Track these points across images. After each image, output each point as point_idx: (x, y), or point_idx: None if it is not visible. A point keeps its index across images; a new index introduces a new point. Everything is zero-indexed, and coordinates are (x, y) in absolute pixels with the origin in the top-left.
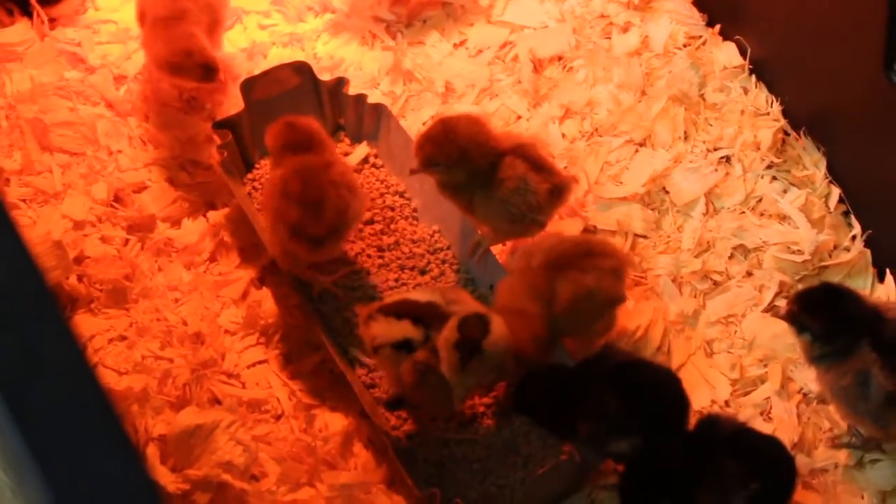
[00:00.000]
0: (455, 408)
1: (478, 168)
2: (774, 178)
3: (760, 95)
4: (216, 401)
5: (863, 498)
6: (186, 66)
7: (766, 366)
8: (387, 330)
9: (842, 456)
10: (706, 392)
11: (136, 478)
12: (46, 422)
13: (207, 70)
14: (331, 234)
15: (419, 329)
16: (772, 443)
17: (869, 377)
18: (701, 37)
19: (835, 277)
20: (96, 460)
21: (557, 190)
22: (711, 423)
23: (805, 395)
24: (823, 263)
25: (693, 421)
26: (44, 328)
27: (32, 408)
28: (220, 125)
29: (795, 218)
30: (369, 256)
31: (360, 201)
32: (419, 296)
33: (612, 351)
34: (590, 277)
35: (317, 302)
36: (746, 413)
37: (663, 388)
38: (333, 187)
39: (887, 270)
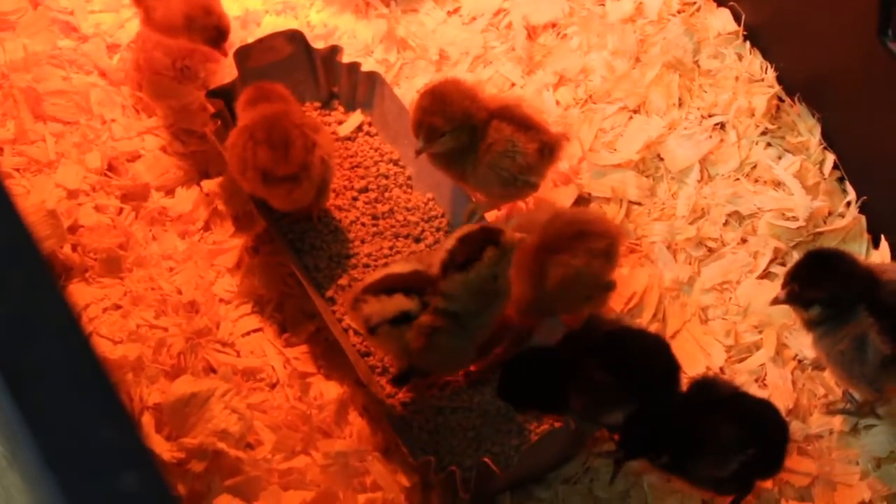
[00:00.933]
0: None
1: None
2: (769, 144)
3: (755, 62)
4: (211, 369)
5: (857, 464)
6: (202, 24)
7: (760, 332)
8: (380, 308)
9: (836, 422)
10: (701, 359)
11: (131, 445)
12: (40, 390)
13: (220, 34)
14: (303, 172)
15: (413, 299)
16: (766, 407)
17: (866, 341)
18: (695, 3)
19: (829, 244)
20: (91, 428)
21: (548, 148)
22: (706, 385)
23: (800, 361)
24: (818, 230)
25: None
26: (38, 296)
27: (26, 376)
28: (213, 94)
29: (790, 184)
30: (363, 225)
31: (326, 139)
32: (400, 268)
33: (598, 321)
34: (580, 261)
35: (312, 271)
36: (741, 379)
37: (653, 354)
38: (296, 127)
39: (882, 236)
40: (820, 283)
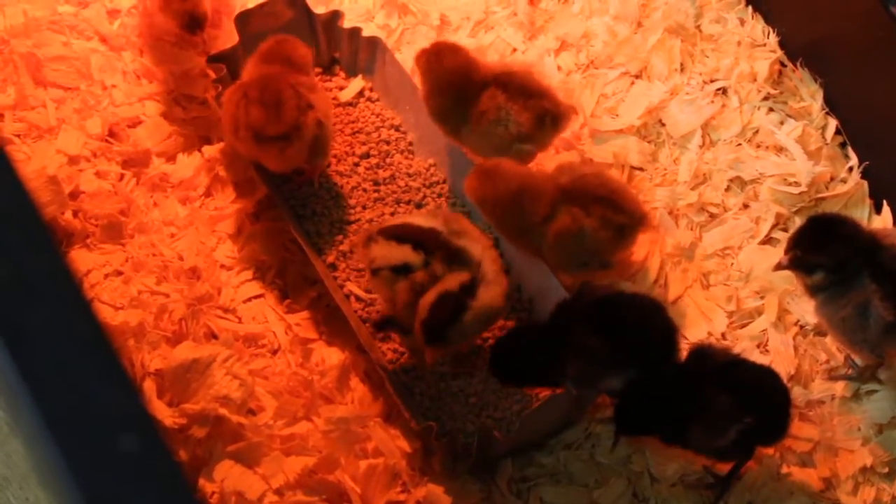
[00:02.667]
0: (426, 362)
1: (463, 98)
2: (771, 109)
3: (757, 26)
4: (212, 335)
5: (859, 429)
6: (176, 8)
7: (762, 298)
8: (387, 252)
9: (838, 388)
10: (703, 324)
11: (131, 409)
12: (42, 354)
13: (193, 21)
14: (295, 132)
15: (419, 254)
16: (765, 373)
17: (868, 308)
18: None
19: (832, 209)
20: (92, 392)
21: (550, 117)
22: (702, 354)
23: (802, 327)
24: (820, 195)
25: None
26: (39, 261)
27: (28, 340)
28: (214, 59)
29: (792, 149)
30: (365, 191)
31: (323, 100)
32: (421, 220)
33: (591, 288)
34: (589, 222)
35: (313, 237)
36: (743, 345)
37: (647, 318)
38: (290, 87)
39: (884, 201)
40: (823, 249)
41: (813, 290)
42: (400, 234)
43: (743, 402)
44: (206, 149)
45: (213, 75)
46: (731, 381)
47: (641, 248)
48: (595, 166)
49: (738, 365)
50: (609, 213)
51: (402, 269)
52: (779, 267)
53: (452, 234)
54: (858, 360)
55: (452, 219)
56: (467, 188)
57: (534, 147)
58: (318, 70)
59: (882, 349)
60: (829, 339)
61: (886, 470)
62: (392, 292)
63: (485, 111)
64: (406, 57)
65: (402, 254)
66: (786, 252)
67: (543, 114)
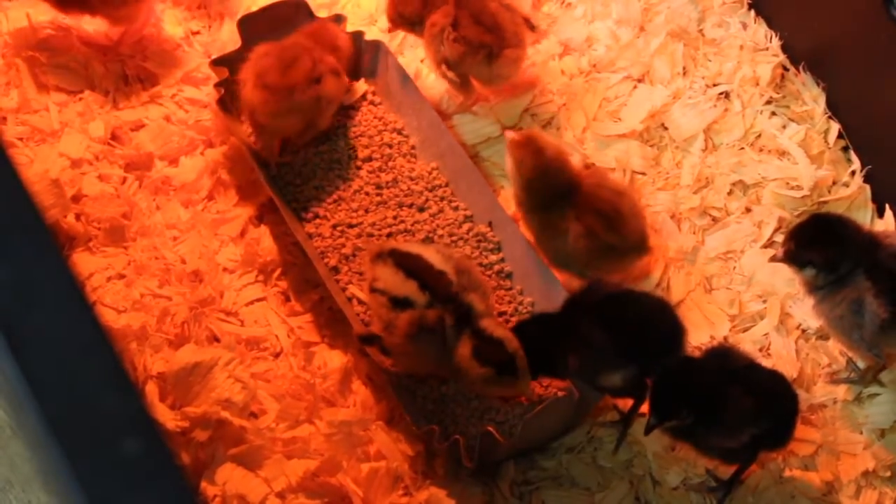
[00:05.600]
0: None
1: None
2: (773, 113)
3: (759, 30)
4: (215, 338)
5: (861, 433)
6: None
7: (765, 302)
8: (393, 281)
9: (840, 391)
10: (705, 328)
11: (134, 412)
12: (45, 357)
13: None
14: (290, 94)
15: (424, 295)
16: (779, 379)
17: (863, 305)
18: None
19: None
20: (95, 395)
21: (488, 52)
22: (722, 354)
23: (804, 330)
24: (822, 199)
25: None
26: (41, 264)
27: (30, 343)
28: (217, 62)
29: (794, 153)
30: (367, 194)
31: (335, 85)
32: (435, 259)
33: (600, 284)
34: (574, 227)
35: (315, 240)
36: (745, 349)
37: (654, 317)
38: (312, 59)
39: (887, 206)
40: (815, 245)
41: (810, 288)
42: (410, 268)
43: (760, 405)
44: (209, 152)
45: (216, 78)
46: (750, 383)
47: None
48: (621, 186)
49: (755, 368)
50: (600, 228)
51: (402, 304)
52: (773, 259)
53: (462, 289)
54: (860, 363)
55: (464, 267)
56: (509, 149)
57: (471, 80)
58: None
59: (880, 348)
60: (831, 343)
61: (889, 474)
62: (383, 317)
63: (429, 25)
64: (408, 60)
65: (407, 289)
66: (782, 244)
67: (478, 45)
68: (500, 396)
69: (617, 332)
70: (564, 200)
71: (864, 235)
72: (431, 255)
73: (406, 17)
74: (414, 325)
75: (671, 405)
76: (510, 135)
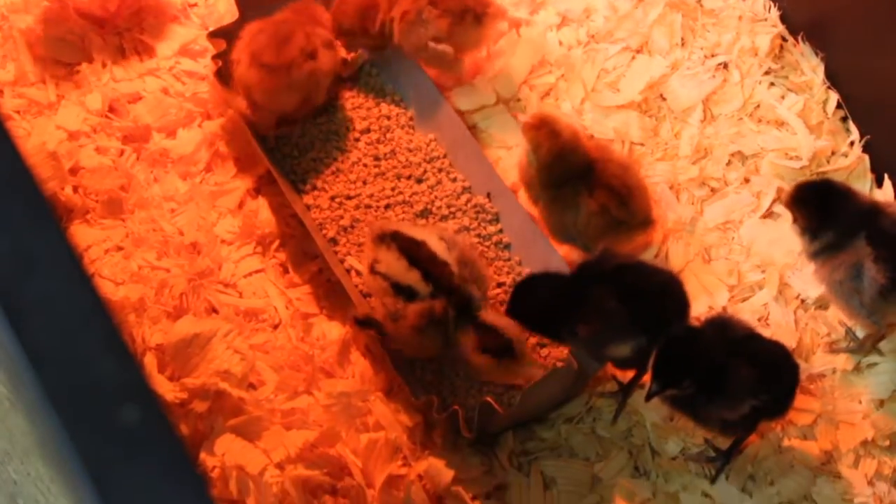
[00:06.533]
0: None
1: None
2: (772, 84)
3: (758, 1)
4: (213, 310)
5: (860, 403)
6: None
7: (763, 272)
8: (396, 269)
9: (839, 361)
10: (704, 299)
11: (133, 382)
12: (42, 326)
13: None
14: (286, 71)
15: (427, 285)
16: (780, 350)
17: (862, 271)
18: None
19: None
20: (94, 365)
21: (473, 15)
22: (723, 324)
23: (803, 300)
24: (821, 169)
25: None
26: (40, 236)
27: (28, 313)
28: (215, 34)
29: (793, 124)
30: (365, 166)
31: (330, 58)
32: (438, 248)
33: (612, 254)
34: (588, 203)
35: (314, 211)
36: (744, 319)
37: (665, 290)
38: (306, 34)
39: (885, 176)
40: (803, 209)
41: (810, 255)
42: (414, 256)
43: (761, 376)
44: (207, 124)
45: (213, 51)
46: (751, 354)
47: None
48: (626, 160)
49: (755, 339)
50: (612, 204)
51: (404, 292)
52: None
53: (463, 280)
54: (858, 332)
55: (468, 258)
56: (524, 132)
57: (458, 50)
58: None
59: (879, 315)
60: (830, 313)
61: (888, 443)
62: (385, 302)
63: (405, 11)
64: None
65: (410, 278)
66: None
67: (462, 13)
68: (503, 381)
69: (629, 303)
70: (577, 177)
71: (862, 203)
72: (435, 243)
73: (346, 30)
74: (423, 318)
75: (673, 373)
76: (523, 118)
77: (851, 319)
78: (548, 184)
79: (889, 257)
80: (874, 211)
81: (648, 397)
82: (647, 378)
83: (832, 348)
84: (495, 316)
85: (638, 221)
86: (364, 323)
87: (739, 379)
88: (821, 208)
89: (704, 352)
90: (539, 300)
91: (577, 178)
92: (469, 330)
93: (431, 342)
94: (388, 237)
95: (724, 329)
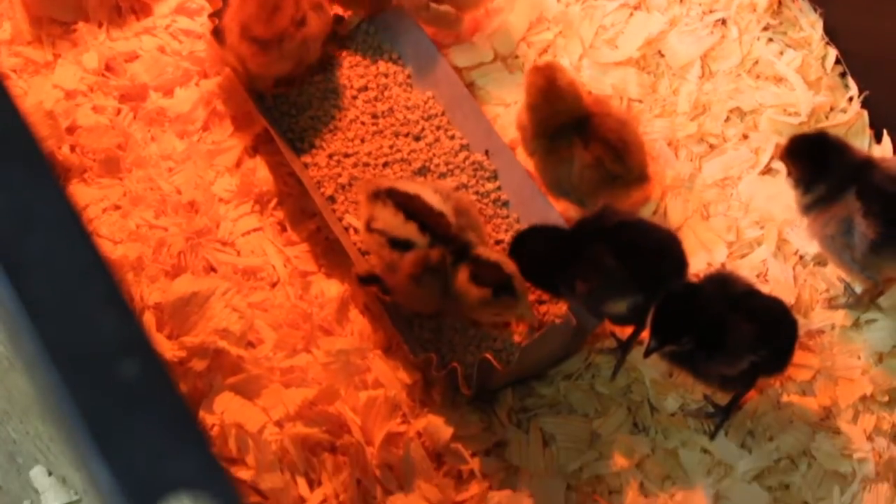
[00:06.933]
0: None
1: None
2: (771, 39)
3: None
4: (211, 269)
5: (859, 358)
6: None
7: (762, 228)
8: (392, 222)
9: (838, 317)
10: (703, 255)
11: (133, 338)
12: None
13: None
14: (279, 43)
15: (425, 236)
16: (779, 306)
17: (852, 225)
18: None
19: None
20: (94, 322)
21: None
22: (723, 280)
23: (801, 257)
24: (820, 125)
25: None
26: (38, 192)
27: (26, 268)
28: None
29: (792, 80)
30: (363, 123)
31: (320, 21)
32: (434, 200)
33: (612, 210)
34: (582, 156)
35: (311, 170)
36: (743, 275)
37: (663, 248)
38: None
39: (884, 131)
40: (795, 161)
41: (799, 207)
42: (410, 209)
43: (760, 332)
44: (204, 83)
45: (210, 9)
46: (750, 310)
47: None
48: (624, 115)
49: (755, 295)
50: (607, 158)
51: (402, 245)
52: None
53: (460, 229)
54: (857, 288)
55: (464, 207)
56: (526, 76)
57: (452, 8)
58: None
59: (873, 270)
60: (828, 269)
61: (886, 398)
62: (384, 258)
63: None
64: None
65: (408, 231)
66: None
67: None
68: (502, 322)
69: (628, 260)
70: (573, 130)
71: (856, 157)
72: (430, 196)
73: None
74: (419, 266)
75: (672, 330)
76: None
77: (847, 275)
78: (542, 132)
79: (879, 212)
80: (866, 165)
81: (647, 353)
82: (645, 334)
83: (831, 304)
84: (493, 252)
85: (633, 177)
86: (367, 280)
87: (739, 335)
88: (814, 161)
89: (704, 308)
90: (538, 251)
91: (572, 129)
92: (465, 266)
93: (431, 292)
94: (384, 194)
95: (723, 285)
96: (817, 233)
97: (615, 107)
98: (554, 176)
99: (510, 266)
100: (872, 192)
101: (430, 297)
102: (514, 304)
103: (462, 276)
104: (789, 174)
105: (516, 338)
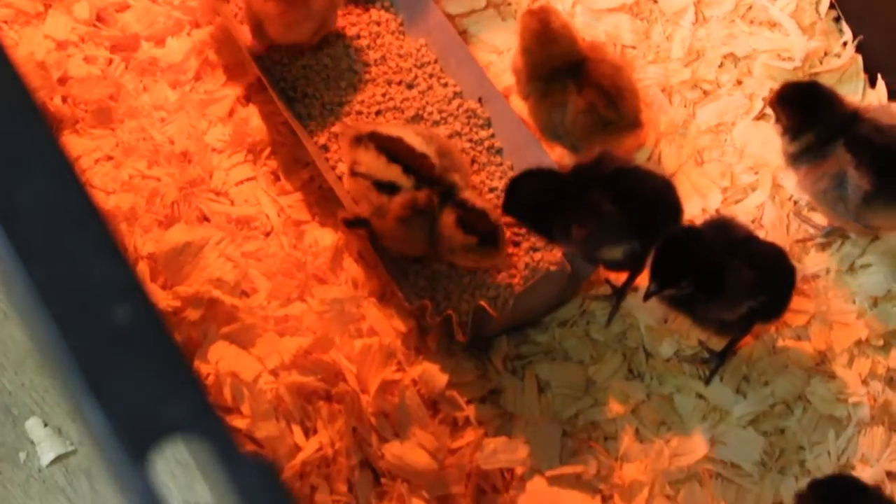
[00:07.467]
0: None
1: None
2: None
3: None
4: (205, 218)
5: (854, 303)
6: None
7: (756, 173)
8: (375, 165)
9: (833, 262)
10: (697, 201)
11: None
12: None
13: None
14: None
15: (409, 178)
16: (778, 253)
17: (845, 179)
18: None
19: (826, 84)
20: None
21: None
22: (723, 225)
23: (795, 202)
24: (814, 70)
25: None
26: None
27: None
28: None
29: (786, 25)
30: (355, 72)
31: None
32: (416, 142)
33: (609, 157)
34: (576, 101)
35: (304, 119)
36: (742, 221)
37: (660, 195)
38: None
39: (878, 76)
40: (786, 107)
41: (787, 159)
42: (392, 152)
43: (759, 278)
44: (196, 32)
45: None
46: (749, 255)
47: None
48: (619, 61)
49: (754, 241)
50: (600, 103)
51: (387, 188)
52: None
53: (444, 170)
54: (853, 234)
55: (446, 149)
56: (521, 18)
57: None
58: None
59: (867, 219)
60: (818, 217)
61: (881, 342)
62: (371, 201)
63: None
64: None
65: (391, 173)
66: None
67: None
68: (475, 267)
69: (625, 206)
70: (568, 74)
71: (843, 108)
72: (412, 138)
73: None
74: (407, 209)
75: (672, 273)
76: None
77: (842, 226)
78: (536, 75)
79: (870, 163)
80: (853, 117)
81: (647, 296)
82: (640, 281)
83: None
84: (479, 198)
85: (626, 123)
86: (353, 223)
87: (739, 280)
88: (802, 109)
89: (704, 252)
90: (535, 195)
91: (566, 73)
92: (450, 208)
93: (418, 234)
94: (366, 138)
95: (723, 230)
96: (808, 188)
97: (611, 53)
98: (548, 120)
99: (496, 215)
100: (862, 144)
101: (419, 239)
102: (494, 254)
103: (448, 218)
104: (777, 121)
105: (512, 284)
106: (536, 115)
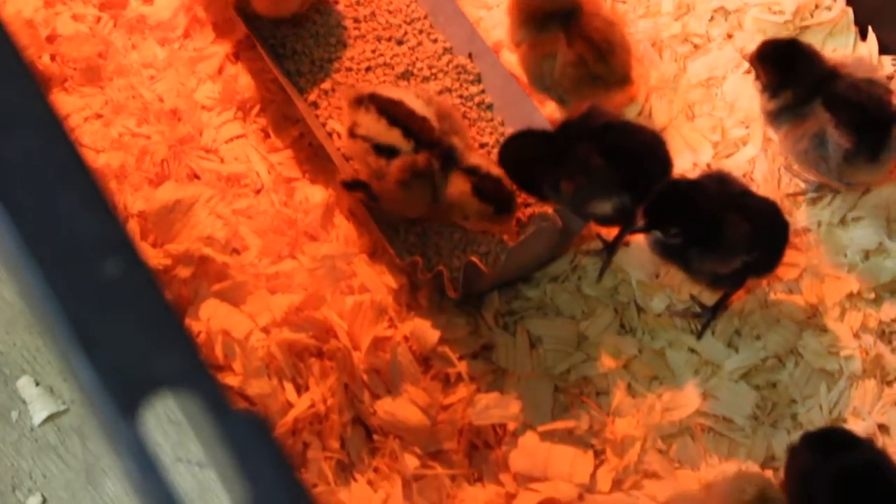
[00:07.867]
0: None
1: None
2: None
3: None
4: (195, 176)
5: (845, 256)
6: None
7: (747, 128)
8: (376, 128)
9: (825, 215)
10: (688, 155)
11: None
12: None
13: None
14: None
15: (409, 141)
16: (772, 207)
17: (825, 138)
18: None
19: (816, 37)
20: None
21: None
22: (720, 179)
23: (786, 156)
24: (805, 24)
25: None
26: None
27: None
28: None
29: None
30: (345, 28)
31: None
32: (416, 104)
33: (598, 112)
34: (564, 53)
35: (294, 76)
36: (738, 176)
37: (649, 149)
38: None
39: (869, 28)
40: (766, 64)
41: (767, 117)
42: (393, 115)
43: (755, 233)
44: None
45: None
46: (746, 209)
47: None
48: (613, 16)
49: (749, 195)
50: (590, 57)
51: (386, 151)
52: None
53: (444, 133)
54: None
55: (446, 112)
56: None
57: None
58: None
59: (850, 177)
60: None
61: (873, 296)
62: (369, 164)
63: None
64: None
65: (392, 137)
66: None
67: None
68: (484, 231)
69: (615, 161)
70: (560, 22)
71: (822, 65)
72: (412, 101)
73: None
74: (406, 172)
75: (663, 218)
76: None
77: (825, 183)
78: (529, 20)
79: (849, 120)
80: (831, 74)
81: (630, 232)
82: (631, 236)
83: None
84: (492, 164)
85: (615, 79)
86: (352, 185)
87: (735, 233)
88: (782, 66)
89: (698, 203)
90: (524, 155)
91: (559, 21)
92: (461, 175)
93: (419, 196)
94: (366, 99)
95: (721, 183)
96: (790, 149)
97: (606, 7)
98: (537, 70)
99: (508, 181)
100: (840, 102)
101: (418, 201)
102: (507, 221)
103: (463, 185)
104: (757, 78)
105: (503, 240)
106: (526, 63)
